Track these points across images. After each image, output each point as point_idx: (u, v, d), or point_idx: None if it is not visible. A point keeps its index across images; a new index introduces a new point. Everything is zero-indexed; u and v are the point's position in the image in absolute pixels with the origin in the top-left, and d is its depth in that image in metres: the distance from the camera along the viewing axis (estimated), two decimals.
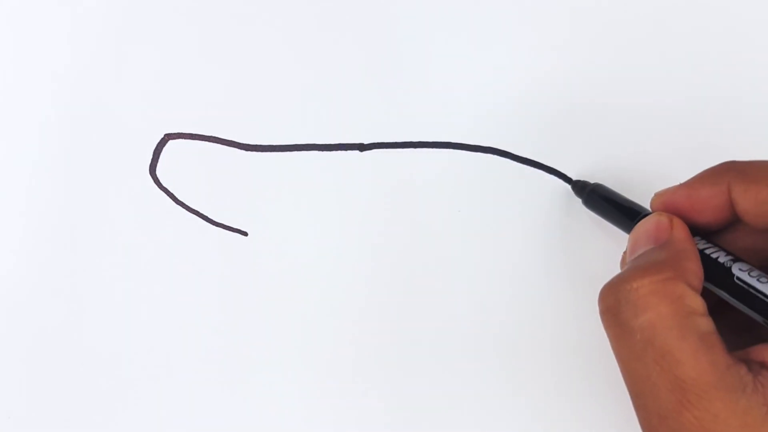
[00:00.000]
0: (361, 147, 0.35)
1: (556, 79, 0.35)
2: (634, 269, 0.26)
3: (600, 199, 0.32)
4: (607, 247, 0.33)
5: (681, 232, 0.27)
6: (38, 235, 0.35)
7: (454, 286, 0.34)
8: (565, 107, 0.34)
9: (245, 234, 0.34)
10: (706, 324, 0.24)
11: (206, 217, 0.35)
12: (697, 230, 0.28)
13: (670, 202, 0.28)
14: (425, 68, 0.35)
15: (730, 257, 0.26)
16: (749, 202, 0.26)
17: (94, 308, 0.34)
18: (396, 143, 0.35)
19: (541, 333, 0.33)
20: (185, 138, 0.35)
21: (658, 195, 0.29)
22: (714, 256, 0.27)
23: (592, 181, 0.33)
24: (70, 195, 0.35)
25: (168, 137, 0.35)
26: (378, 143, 0.35)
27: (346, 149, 0.35)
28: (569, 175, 0.34)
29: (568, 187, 0.34)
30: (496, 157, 0.34)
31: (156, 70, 0.35)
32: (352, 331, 0.34)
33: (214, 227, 0.35)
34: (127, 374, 0.34)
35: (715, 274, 0.26)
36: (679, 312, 0.24)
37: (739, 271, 0.26)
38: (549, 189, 0.34)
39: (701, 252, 0.27)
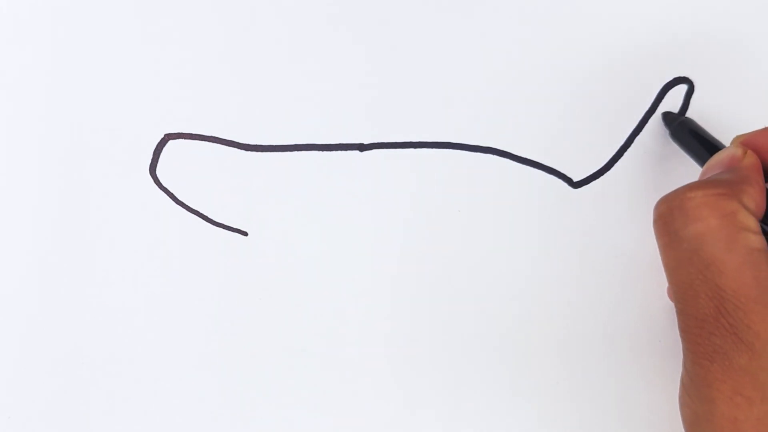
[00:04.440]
0: (361, 147, 0.35)
1: (556, 79, 0.35)
2: (693, 183, 0.26)
3: (686, 132, 0.32)
4: (607, 247, 0.33)
5: (751, 160, 0.27)
6: (38, 235, 0.35)
7: (454, 286, 0.34)
8: (565, 107, 0.34)
9: (245, 234, 0.34)
10: (758, 241, 0.25)
11: (206, 217, 0.35)
12: None
13: (749, 141, 0.28)
14: (425, 68, 0.35)
15: None
16: None
17: (93, 308, 0.34)
18: (396, 143, 0.35)
19: (541, 332, 0.33)
20: (185, 138, 0.35)
21: (738, 136, 0.29)
22: None
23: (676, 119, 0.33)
24: (70, 195, 0.35)
25: (168, 137, 0.35)
26: (378, 143, 0.35)
27: (346, 149, 0.35)
28: (568, 175, 0.34)
29: (569, 187, 0.34)
30: (496, 157, 0.34)
31: (156, 70, 0.35)
32: (352, 330, 0.34)
33: (214, 227, 0.35)
34: (126, 374, 0.34)
35: None
36: (729, 226, 0.24)
37: None
38: (549, 189, 0.34)
39: None
